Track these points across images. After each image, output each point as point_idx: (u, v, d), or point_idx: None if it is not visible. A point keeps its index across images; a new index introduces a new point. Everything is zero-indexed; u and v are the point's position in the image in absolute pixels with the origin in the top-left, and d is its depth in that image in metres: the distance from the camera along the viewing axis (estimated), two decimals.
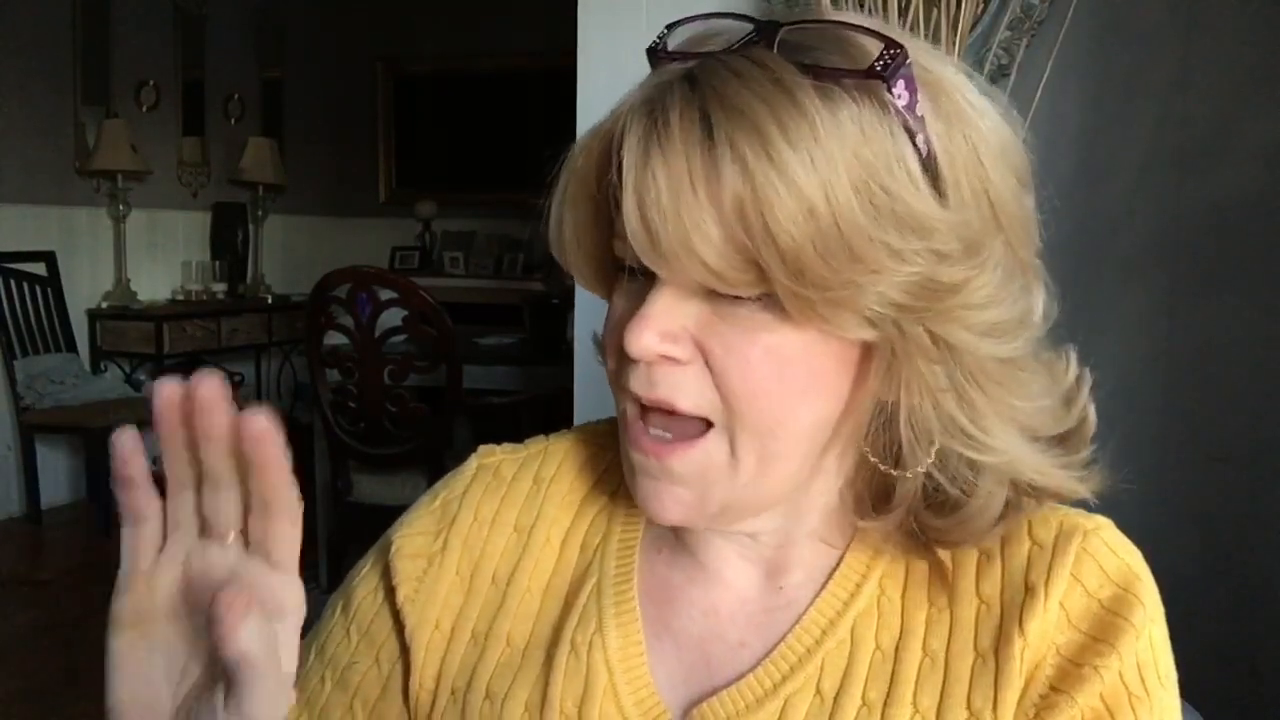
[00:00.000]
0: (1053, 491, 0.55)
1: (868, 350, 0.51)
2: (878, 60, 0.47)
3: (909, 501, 0.54)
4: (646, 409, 0.53)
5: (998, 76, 1.66)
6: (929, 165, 0.49)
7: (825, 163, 0.46)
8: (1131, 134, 1.67)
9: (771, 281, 0.47)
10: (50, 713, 2.60)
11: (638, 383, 0.52)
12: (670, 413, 0.52)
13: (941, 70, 0.51)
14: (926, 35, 1.60)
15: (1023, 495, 0.55)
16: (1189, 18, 1.62)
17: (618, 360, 0.54)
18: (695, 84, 0.48)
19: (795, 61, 0.48)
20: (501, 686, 0.59)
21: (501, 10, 5.44)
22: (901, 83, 0.48)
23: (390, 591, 0.62)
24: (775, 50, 0.49)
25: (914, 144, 0.48)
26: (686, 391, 0.51)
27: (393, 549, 0.63)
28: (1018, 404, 0.53)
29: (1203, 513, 1.66)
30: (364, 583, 0.64)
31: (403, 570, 0.62)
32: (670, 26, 0.53)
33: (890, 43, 0.48)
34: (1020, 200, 0.53)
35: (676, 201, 0.47)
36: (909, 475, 0.53)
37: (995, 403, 0.52)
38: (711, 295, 0.50)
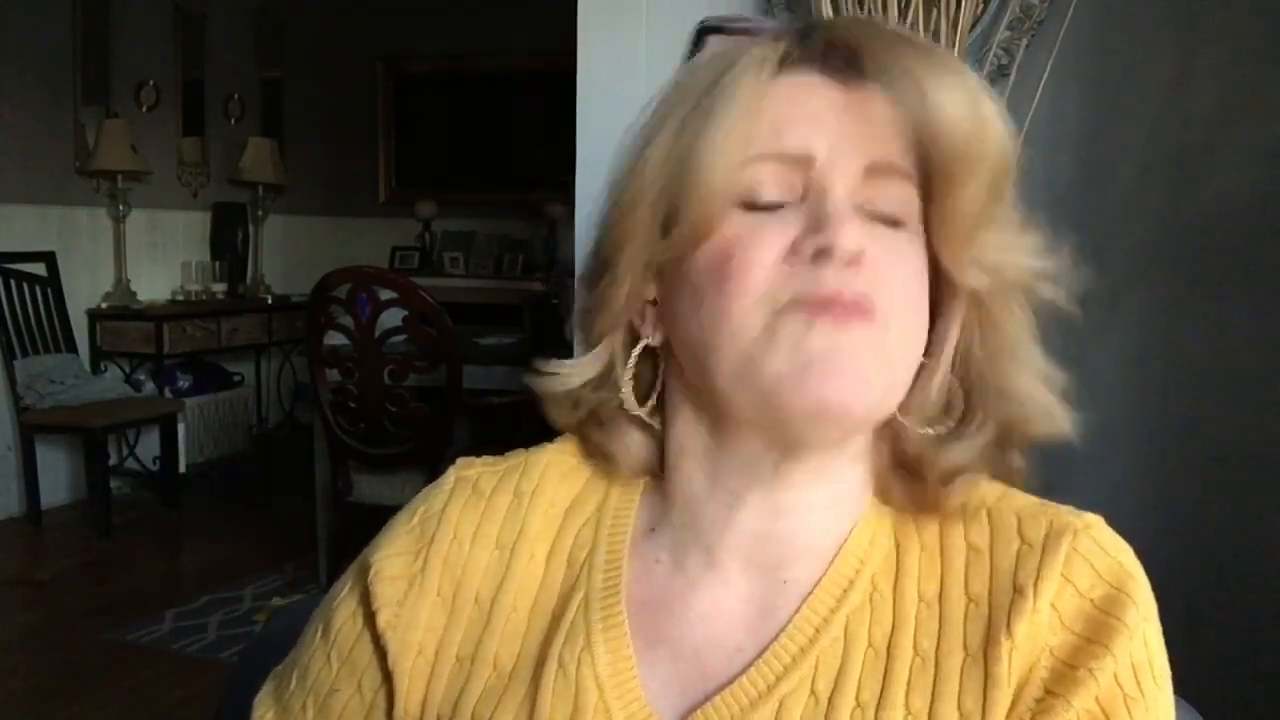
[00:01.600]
0: (1040, 421, 0.58)
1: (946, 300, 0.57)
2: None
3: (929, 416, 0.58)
4: None
5: (998, 76, 1.66)
6: None
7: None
8: (1131, 134, 1.67)
9: (924, 194, 0.54)
10: (50, 713, 2.60)
11: (836, 277, 0.52)
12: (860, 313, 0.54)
13: None
14: (926, 35, 1.60)
15: (1011, 435, 0.59)
16: (1189, 17, 1.62)
17: (778, 274, 0.53)
18: (857, 22, 0.58)
19: None
20: (487, 710, 0.57)
21: (501, 10, 5.44)
22: None
23: (370, 617, 0.60)
24: None
25: None
26: (879, 288, 0.53)
27: (371, 571, 0.61)
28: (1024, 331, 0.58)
29: (1203, 513, 1.66)
30: (343, 606, 0.63)
31: (382, 595, 0.60)
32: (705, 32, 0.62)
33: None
34: None
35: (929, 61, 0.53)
36: (932, 431, 0.57)
37: (1022, 329, 0.57)
38: (864, 216, 0.54)
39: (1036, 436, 0.58)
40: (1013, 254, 0.55)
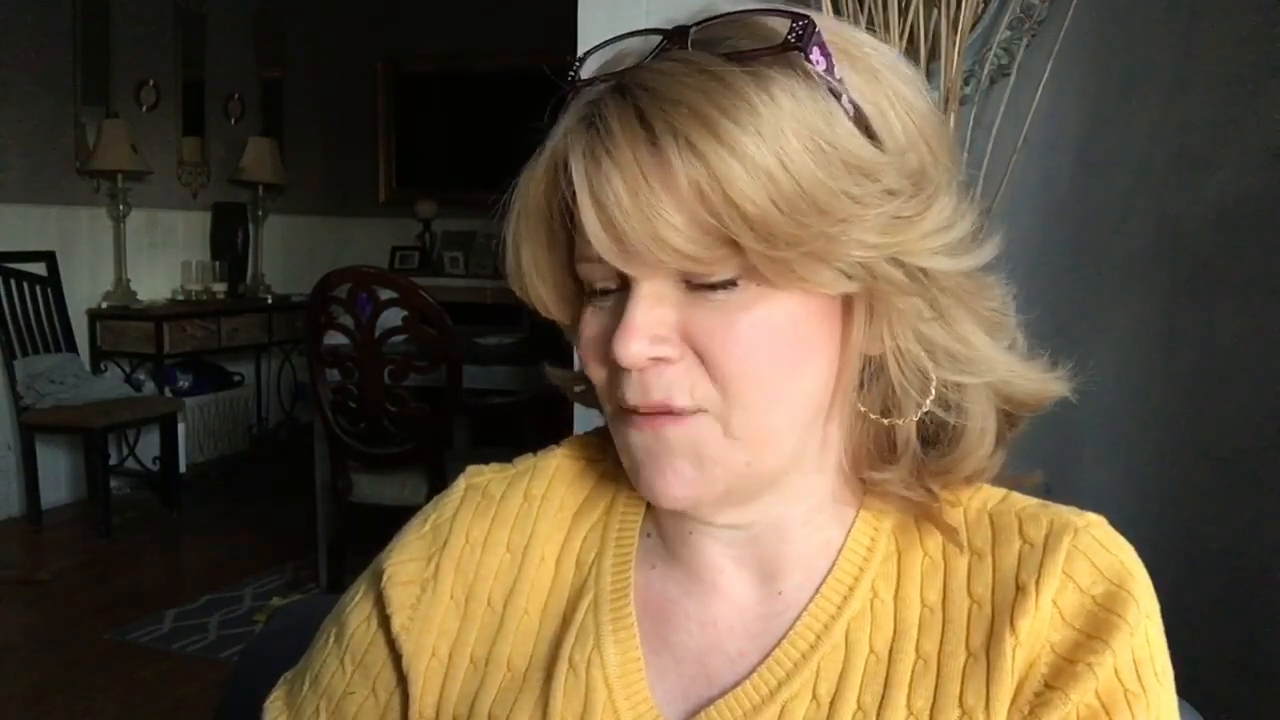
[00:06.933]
0: (1034, 395, 0.57)
1: (848, 306, 0.53)
2: (789, 34, 0.50)
3: (913, 447, 0.56)
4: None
5: (998, 76, 1.66)
6: (860, 119, 0.51)
7: (771, 132, 0.48)
8: (1131, 134, 1.67)
9: (745, 254, 0.49)
10: (50, 713, 2.60)
11: (631, 392, 0.53)
12: (667, 413, 0.53)
13: (848, 33, 0.54)
14: (926, 35, 1.60)
15: (1009, 413, 0.58)
16: (1189, 17, 1.62)
17: (607, 372, 0.55)
18: (625, 91, 0.50)
19: (715, 53, 0.50)
20: (503, 711, 0.58)
21: (502, 10, 5.44)
22: (816, 50, 0.50)
23: (384, 620, 0.62)
24: (690, 49, 0.51)
25: (841, 103, 0.50)
26: (681, 388, 0.52)
27: (385, 577, 0.62)
28: (989, 305, 0.55)
29: (1203, 513, 1.66)
30: (356, 611, 0.64)
31: (396, 599, 0.61)
32: (581, 59, 0.57)
33: (796, 16, 0.50)
34: (945, 127, 0.56)
35: (635, 198, 0.48)
36: (908, 420, 0.56)
37: (971, 313, 0.55)
38: (688, 289, 0.51)
39: (1023, 397, 0.57)
40: (874, 245, 0.50)
